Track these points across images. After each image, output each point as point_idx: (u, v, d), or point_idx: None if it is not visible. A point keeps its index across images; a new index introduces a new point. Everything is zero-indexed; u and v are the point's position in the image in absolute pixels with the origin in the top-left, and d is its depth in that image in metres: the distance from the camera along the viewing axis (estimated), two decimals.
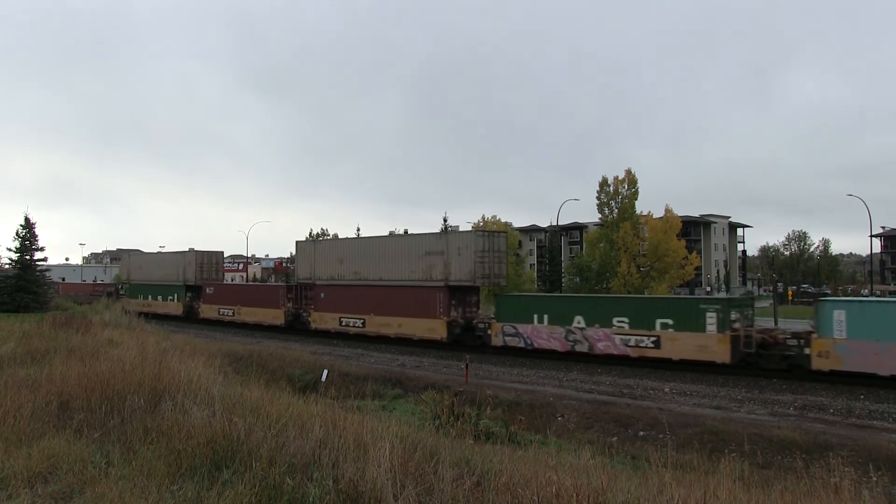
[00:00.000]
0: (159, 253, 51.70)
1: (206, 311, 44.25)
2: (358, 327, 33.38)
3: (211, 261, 47.96)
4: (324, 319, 35.13)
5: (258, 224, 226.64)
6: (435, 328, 29.53)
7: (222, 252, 50.86)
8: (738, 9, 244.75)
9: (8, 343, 16.14)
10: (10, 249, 42.37)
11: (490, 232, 34.27)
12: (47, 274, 47.98)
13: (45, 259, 44.77)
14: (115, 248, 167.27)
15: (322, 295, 35.43)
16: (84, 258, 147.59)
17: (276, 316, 38.29)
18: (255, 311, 39.95)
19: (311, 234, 72.25)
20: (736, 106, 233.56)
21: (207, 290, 44.56)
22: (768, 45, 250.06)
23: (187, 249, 51.63)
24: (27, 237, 41.81)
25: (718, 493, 5.28)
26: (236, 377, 13.43)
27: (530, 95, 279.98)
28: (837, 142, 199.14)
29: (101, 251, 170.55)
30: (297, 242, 38.59)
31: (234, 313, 41.64)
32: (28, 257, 41.86)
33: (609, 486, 5.21)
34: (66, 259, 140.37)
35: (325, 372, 20.81)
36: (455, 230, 47.07)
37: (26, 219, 42.11)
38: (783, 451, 13.37)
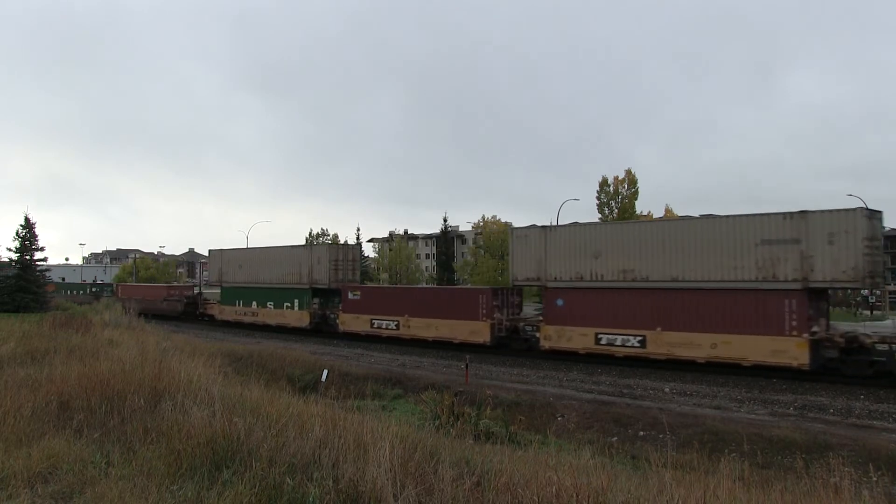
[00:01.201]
0: (270, 247, 42.84)
1: (350, 322, 34.06)
2: (633, 347, 23.78)
3: (346, 257, 37.69)
4: (567, 337, 25.24)
5: (258, 224, 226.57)
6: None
7: (359, 246, 43.23)
8: (739, 8, 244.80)
9: (8, 343, 16.14)
10: (10, 249, 42.36)
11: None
12: (47, 274, 47.26)
13: (45, 259, 44.63)
14: (115, 248, 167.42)
15: (560, 302, 25.79)
16: (84, 258, 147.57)
17: (475, 331, 28.54)
18: (436, 325, 29.98)
19: (310, 233, 72.23)
20: (736, 105, 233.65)
21: (350, 295, 34.48)
22: (768, 44, 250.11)
23: (314, 242, 45.52)
24: (27, 237, 41.78)
25: (718, 493, 5.27)
26: (236, 377, 13.43)
27: (530, 95, 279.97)
28: (838, 141, 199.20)
29: (101, 251, 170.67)
30: (512, 230, 28.95)
31: (399, 325, 31.77)
32: (28, 257, 41.82)
33: (609, 486, 5.21)
34: (66, 259, 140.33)
35: (326, 372, 20.81)
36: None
37: (26, 219, 42.09)
38: (783, 451, 13.37)
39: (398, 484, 5.21)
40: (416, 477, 5.41)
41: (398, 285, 34.22)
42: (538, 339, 26.64)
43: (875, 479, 8.97)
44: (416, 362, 27.14)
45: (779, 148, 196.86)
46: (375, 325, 32.62)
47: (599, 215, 49.94)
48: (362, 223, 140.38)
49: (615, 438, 15.23)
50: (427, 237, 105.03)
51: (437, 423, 11.09)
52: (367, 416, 8.68)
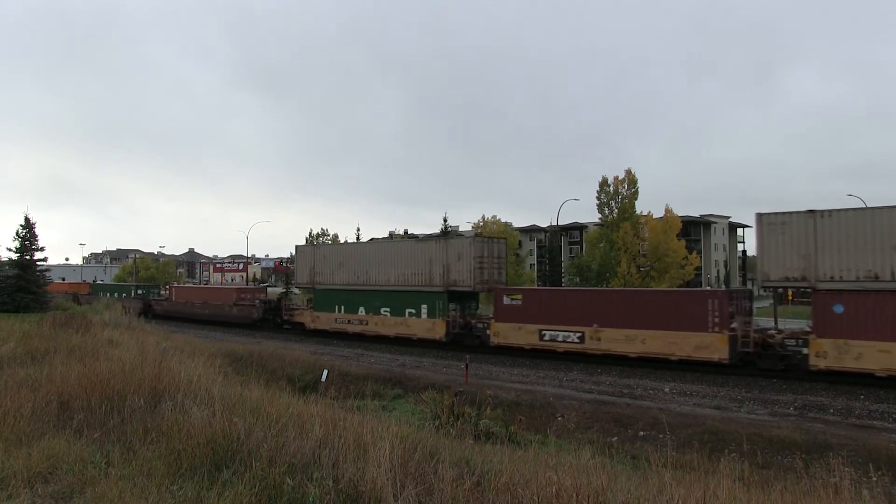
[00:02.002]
0: (385, 242, 36.08)
1: (508, 333, 27.32)
2: None
3: (492, 253, 30.59)
4: (855, 355, 19.47)
5: (258, 224, 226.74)
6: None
7: (504, 241, 33.51)
8: (739, 8, 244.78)
9: (8, 343, 16.12)
10: (10, 249, 42.33)
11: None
12: (47, 274, 46.80)
13: (45, 259, 44.51)
14: (115, 248, 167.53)
15: (840, 309, 20.21)
16: (84, 258, 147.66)
17: (704, 345, 22.35)
18: (642, 337, 23.81)
19: (310, 233, 72.29)
20: (736, 105, 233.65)
21: (507, 300, 27.84)
22: (769, 44, 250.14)
23: (452, 235, 36.48)
24: (27, 237, 41.76)
25: (718, 493, 5.27)
26: (236, 377, 13.42)
27: (531, 95, 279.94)
28: (838, 141, 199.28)
29: (101, 251, 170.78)
30: (761, 216, 22.26)
31: (585, 338, 25.13)
32: (28, 257, 41.81)
33: (609, 486, 5.21)
34: (66, 259, 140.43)
35: (325, 372, 20.81)
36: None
37: (26, 219, 42.04)
38: (783, 451, 13.38)
39: (398, 484, 5.21)
40: (416, 477, 5.40)
41: (578, 287, 30.49)
42: (804, 356, 20.97)
43: (875, 479, 8.96)
44: (416, 362, 27.15)
45: (779, 148, 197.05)
46: (547, 338, 26.21)
47: (599, 215, 49.99)
48: (362, 223, 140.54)
49: (615, 438, 15.23)
50: (427, 237, 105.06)
51: (437, 423, 11.08)
52: (367, 416, 8.68)
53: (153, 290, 61.28)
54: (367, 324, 33.78)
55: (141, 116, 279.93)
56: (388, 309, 32.85)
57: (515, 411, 16.69)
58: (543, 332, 26.40)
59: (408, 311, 31.83)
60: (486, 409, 13.82)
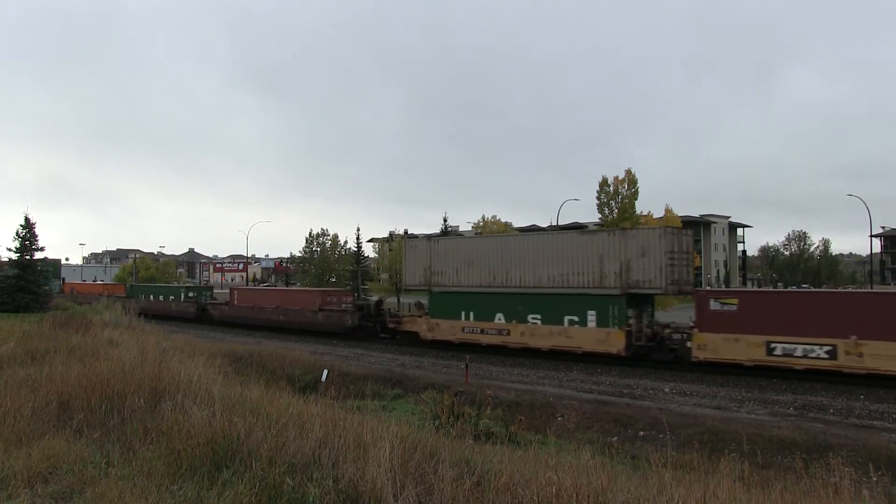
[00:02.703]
0: (532, 235, 31.26)
1: (720, 346, 22.23)
2: None
3: (681, 247, 25.14)
4: None
5: (258, 224, 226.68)
6: None
7: (691, 234, 27.96)
8: (739, 8, 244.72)
9: (8, 343, 16.12)
10: (10, 249, 42.29)
11: None
12: (48, 272, 46.89)
13: (45, 259, 44.42)
14: (114, 248, 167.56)
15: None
16: (84, 258, 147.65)
17: None
18: None
19: (310, 234, 72.13)
20: (736, 105, 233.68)
21: (716, 305, 22.68)
22: (769, 44, 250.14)
23: (632, 226, 31.44)
24: (27, 237, 41.73)
25: (718, 493, 5.27)
26: (236, 377, 13.42)
27: (531, 95, 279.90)
28: (838, 141, 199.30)
29: (101, 251, 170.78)
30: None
31: (837, 352, 20.06)
32: (28, 257, 41.78)
33: (609, 486, 5.21)
34: (66, 259, 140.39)
35: (326, 372, 20.81)
36: None
37: (26, 219, 42.02)
38: (783, 451, 13.38)
39: (398, 484, 5.21)
40: (416, 477, 5.40)
41: (816, 289, 26.24)
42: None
43: (875, 479, 8.96)
44: (416, 362, 27.14)
45: (779, 148, 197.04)
46: (779, 352, 21.19)
47: (599, 215, 49.88)
48: (362, 223, 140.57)
49: (615, 438, 15.22)
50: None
51: (437, 423, 11.08)
52: (367, 416, 8.68)
53: (205, 292, 53.84)
54: (508, 333, 27.62)
55: (141, 116, 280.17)
56: (537, 316, 26.82)
57: (515, 411, 16.69)
58: (773, 344, 21.30)
59: (567, 318, 25.86)
60: (486, 409, 13.82)
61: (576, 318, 25.78)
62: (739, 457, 9.71)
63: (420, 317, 31.63)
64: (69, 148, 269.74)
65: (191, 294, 51.97)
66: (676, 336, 24.06)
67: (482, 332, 28.58)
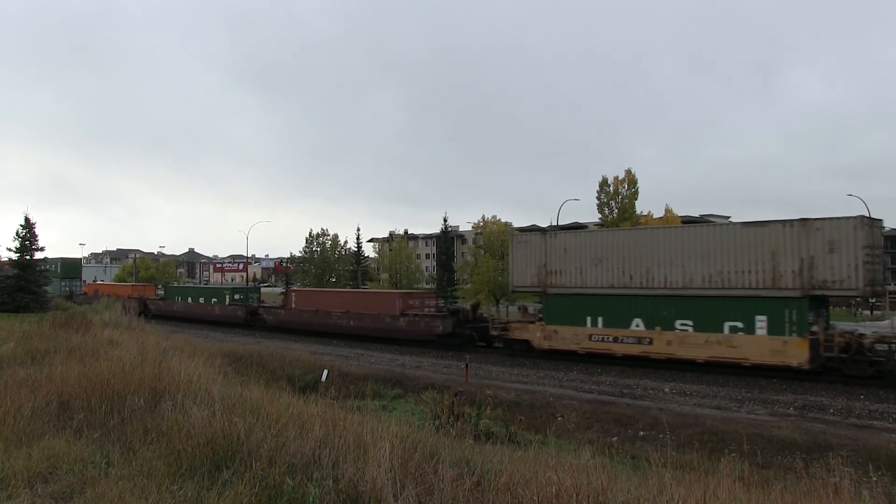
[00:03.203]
0: (679, 227, 28.28)
1: None
2: None
3: (877, 241, 21.73)
4: None
5: (258, 224, 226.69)
6: None
7: (880, 221, 23.71)
8: (740, 8, 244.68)
9: (8, 343, 16.12)
10: (10, 249, 42.28)
11: None
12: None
13: (65, 258, 44.55)
14: (115, 248, 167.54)
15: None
16: (84, 258, 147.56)
17: None
18: None
19: (310, 234, 72.15)
20: (737, 105, 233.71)
21: None
22: (770, 43, 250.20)
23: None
24: (27, 237, 41.74)
25: (718, 493, 5.27)
26: (236, 377, 13.42)
27: (531, 95, 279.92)
28: (838, 141, 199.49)
29: (101, 251, 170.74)
30: None
31: None
32: (28, 257, 41.78)
33: (609, 486, 5.21)
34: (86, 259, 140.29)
35: (326, 372, 20.81)
36: None
37: (26, 219, 42.04)
38: (783, 451, 13.37)
39: (398, 484, 5.21)
40: (416, 477, 5.40)
41: None
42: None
43: (875, 479, 8.95)
44: (416, 362, 27.13)
45: (779, 147, 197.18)
46: None
47: (599, 215, 49.96)
48: (362, 223, 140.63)
49: (615, 438, 15.22)
50: (427, 237, 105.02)
51: (437, 423, 11.08)
52: (367, 416, 8.68)
53: (252, 294, 48.88)
54: (650, 342, 23.94)
55: (141, 116, 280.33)
56: (688, 322, 23.22)
57: (515, 411, 16.69)
58: None
59: (728, 324, 22.26)
60: (486, 409, 13.81)
61: (740, 325, 22.00)
62: (739, 457, 9.71)
63: (532, 323, 27.49)
64: (69, 148, 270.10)
65: (237, 296, 46.64)
66: (881, 347, 20.10)
67: (616, 340, 24.75)
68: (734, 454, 10.40)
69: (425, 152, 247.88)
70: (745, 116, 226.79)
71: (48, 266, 71.09)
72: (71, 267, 74.61)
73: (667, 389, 20.66)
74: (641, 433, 15.66)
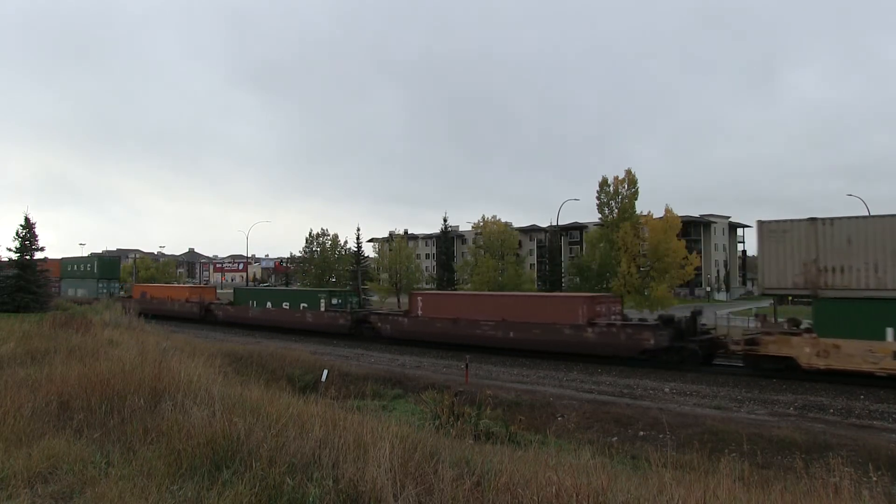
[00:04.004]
0: None
1: None
2: None
3: None
4: None
5: (258, 224, 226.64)
6: None
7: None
8: (740, 7, 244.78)
9: (8, 343, 16.11)
10: (10, 249, 42.25)
11: None
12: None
13: (99, 255, 44.33)
14: (115, 248, 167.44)
15: None
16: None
17: None
18: None
19: (310, 234, 72.14)
20: (737, 105, 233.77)
21: None
22: (770, 43, 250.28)
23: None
24: (27, 237, 41.72)
25: (718, 493, 5.28)
26: (236, 377, 13.42)
27: (531, 94, 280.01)
28: (838, 141, 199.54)
29: (101, 251, 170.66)
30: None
31: None
32: (28, 257, 41.77)
33: (609, 486, 5.21)
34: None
35: (326, 372, 20.81)
36: None
37: (26, 219, 41.98)
38: (783, 451, 13.37)
39: (398, 484, 5.21)
40: (416, 477, 5.40)
41: None
42: None
43: (875, 479, 8.96)
44: (416, 362, 27.13)
45: (779, 147, 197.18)
46: None
47: (599, 215, 49.88)
48: (362, 223, 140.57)
49: (615, 438, 15.22)
50: (427, 237, 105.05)
51: (437, 423, 11.08)
52: (367, 416, 8.68)
53: (351, 297, 39.46)
54: None
55: (141, 116, 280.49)
56: None
57: (515, 411, 16.69)
58: None
59: None
60: (486, 409, 13.81)
61: None
62: (739, 457, 9.71)
63: (795, 335, 21.56)
64: (69, 148, 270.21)
65: (335, 301, 38.13)
66: None
67: None
68: (734, 454, 10.40)
69: (425, 152, 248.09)
70: (745, 116, 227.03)
71: (83, 265, 65.59)
72: (109, 265, 66.36)
73: (667, 389, 20.66)
74: (641, 433, 15.66)
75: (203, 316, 46.21)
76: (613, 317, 27.24)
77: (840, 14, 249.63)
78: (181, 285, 71.54)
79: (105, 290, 60.60)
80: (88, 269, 64.78)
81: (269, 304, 42.09)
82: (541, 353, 27.24)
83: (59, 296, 60.12)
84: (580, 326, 25.97)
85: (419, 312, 32.55)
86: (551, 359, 26.32)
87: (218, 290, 56.94)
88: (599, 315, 26.62)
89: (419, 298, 33.57)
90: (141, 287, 59.03)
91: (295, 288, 57.21)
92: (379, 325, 34.23)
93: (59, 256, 70.58)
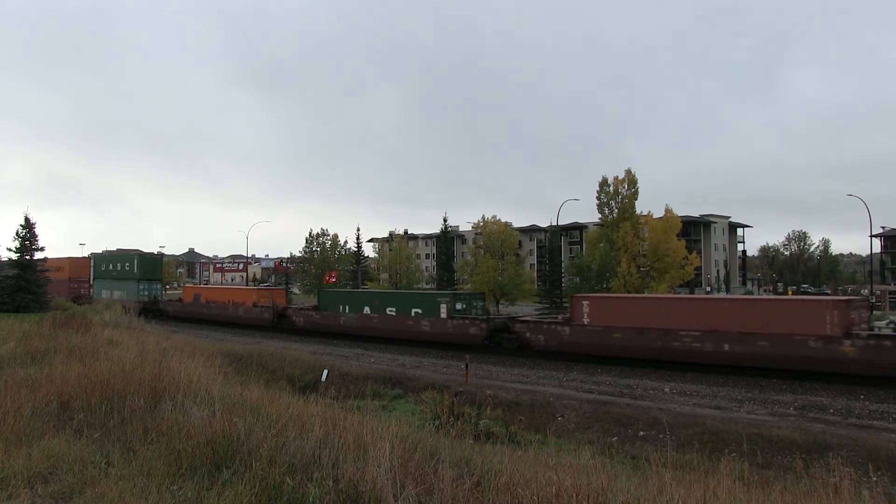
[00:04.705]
0: None
1: None
2: None
3: None
4: None
5: (258, 224, 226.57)
6: None
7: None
8: (741, 6, 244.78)
9: (8, 343, 16.11)
10: (10, 249, 42.24)
11: None
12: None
13: (44, 259, 44.13)
14: (115, 248, 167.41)
15: None
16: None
17: None
18: None
19: (310, 234, 72.13)
20: (737, 104, 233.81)
21: None
22: (770, 42, 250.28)
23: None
24: (27, 237, 41.70)
25: (718, 493, 5.27)
26: (236, 377, 13.42)
27: (531, 94, 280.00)
28: (838, 140, 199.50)
29: (101, 251, 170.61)
30: None
31: None
32: (28, 257, 41.75)
33: (609, 486, 5.21)
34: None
35: (325, 372, 20.80)
36: None
37: (26, 219, 41.96)
38: (783, 451, 13.37)
39: (398, 484, 5.21)
40: (416, 477, 5.40)
41: None
42: None
43: (875, 479, 8.96)
44: (416, 362, 27.13)
45: (779, 147, 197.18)
46: None
47: (599, 215, 49.88)
48: (362, 223, 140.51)
49: (615, 438, 15.22)
50: (427, 237, 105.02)
51: (437, 423, 11.08)
52: (367, 416, 8.68)
53: (476, 301, 33.29)
54: None
55: (140, 115, 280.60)
56: None
57: (515, 411, 16.69)
58: None
59: None
60: (486, 409, 13.82)
61: None
62: (739, 457, 9.71)
63: None
64: (69, 147, 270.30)
65: (460, 307, 31.79)
66: None
67: None
68: (734, 454, 10.40)
69: (426, 152, 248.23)
70: (745, 116, 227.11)
71: (120, 264, 58.08)
72: (150, 265, 58.71)
73: (667, 389, 20.65)
74: (641, 433, 15.65)
75: (276, 323, 40.26)
76: (864, 325, 22.48)
77: (841, 14, 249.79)
78: (246, 287, 64.06)
79: (146, 293, 54.64)
80: (126, 268, 56.74)
81: (366, 310, 35.41)
82: (777, 371, 22.11)
83: (92, 299, 55.99)
84: (831, 340, 20.79)
85: (585, 320, 27.13)
86: (552, 359, 26.29)
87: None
88: (853, 323, 21.74)
89: (585, 303, 27.60)
90: (194, 289, 54.88)
91: (403, 291, 49.91)
92: (528, 335, 28.54)
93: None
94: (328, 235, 71.14)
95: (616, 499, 5.02)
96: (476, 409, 13.39)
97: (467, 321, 30.68)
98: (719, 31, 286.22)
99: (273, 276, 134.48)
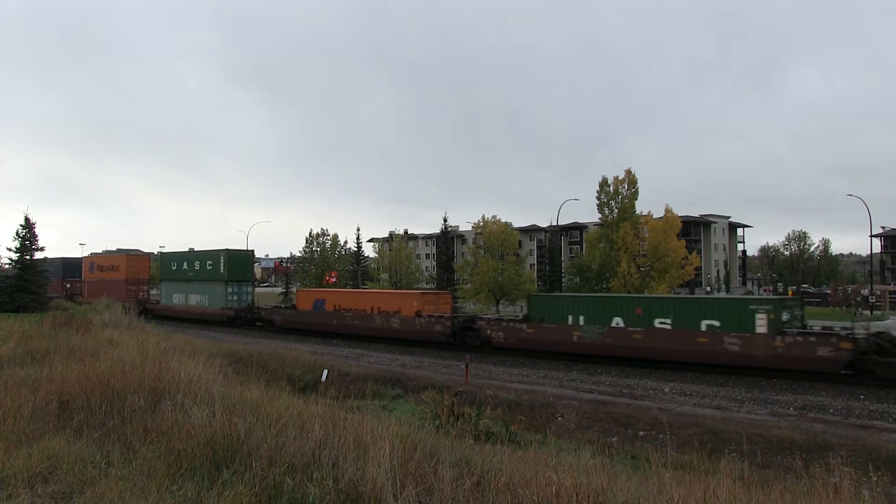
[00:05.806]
0: None
1: None
2: None
3: None
4: None
5: (258, 224, 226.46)
6: None
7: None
8: (741, 7, 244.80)
9: (8, 343, 16.11)
10: (10, 249, 42.25)
11: None
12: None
13: (44, 259, 44.09)
14: (115, 248, 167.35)
15: None
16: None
17: None
18: None
19: (310, 234, 72.13)
20: (737, 104, 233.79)
21: None
22: (770, 42, 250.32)
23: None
24: (27, 237, 41.72)
25: (718, 493, 5.27)
26: (236, 377, 13.42)
27: (531, 94, 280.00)
28: (838, 140, 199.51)
29: (101, 251, 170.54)
30: None
31: None
32: (28, 257, 41.76)
33: (609, 486, 5.21)
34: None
35: (325, 372, 20.79)
36: None
37: (26, 219, 42.00)
38: (783, 451, 13.36)
39: (398, 484, 5.21)
40: (416, 477, 5.40)
41: None
42: None
43: (875, 479, 8.96)
44: (417, 362, 27.12)
45: (779, 147, 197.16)
46: None
47: (599, 215, 49.89)
48: (362, 223, 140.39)
49: (615, 438, 15.21)
50: (427, 237, 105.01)
51: (437, 423, 11.07)
52: (367, 416, 8.67)
53: (796, 308, 23.88)
54: None
55: (139, 115, 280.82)
56: None
57: (515, 411, 16.68)
58: None
59: None
60: (486, 409, 13.79)
61: None
62: (739, 457, 9.71)
63: None
64: (68, 147, 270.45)
65: (786, 316, 22.53)
66: None
67: None
68: (734, 454, 10.41)
69: (425, 151, 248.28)
70: (745, 116, 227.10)
71: (201, 262, 45.99)
72: (240, 264, 45.11)
73: (667, 389, 20.65)
74: (641, 433, 15.65)
75: (457, 339, 30.18)
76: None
77: (841, 14, 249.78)
78: (398, 291, 48.97)
79: (235, 298, 43.72)
80: (209, 267, 44.79)
81: (618, 321, 25.08)
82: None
83: (156, 306, 48.87)
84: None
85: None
86: (551, 359, 26.30)
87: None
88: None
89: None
90: (313, 292, 41.36)
91: (679, 295, 38.09)
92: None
93: (152, 250, 50.81)
94: (328, 235, 71.12)
95: (616, 499, 5.02)
96: (476, 409, 13.37)
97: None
98: (719, 30, 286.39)
99: (273, 276, 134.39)
